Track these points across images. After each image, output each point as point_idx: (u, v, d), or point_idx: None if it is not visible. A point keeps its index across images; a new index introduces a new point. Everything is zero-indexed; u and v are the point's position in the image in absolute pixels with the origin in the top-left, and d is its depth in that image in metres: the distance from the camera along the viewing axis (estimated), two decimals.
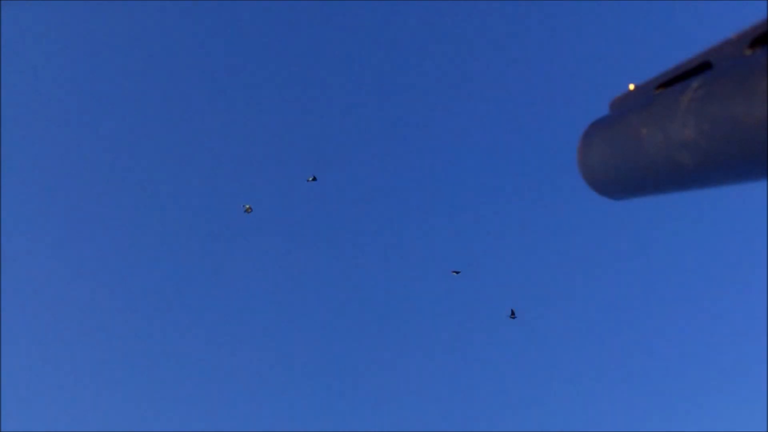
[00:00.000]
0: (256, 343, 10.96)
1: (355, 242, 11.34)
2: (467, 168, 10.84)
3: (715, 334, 10.96)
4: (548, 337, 11.07)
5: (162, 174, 11.05)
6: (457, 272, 8.90)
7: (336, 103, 11.19)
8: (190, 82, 10.99)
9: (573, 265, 11.33)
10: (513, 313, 9.05)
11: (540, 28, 11.25)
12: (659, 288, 11.24)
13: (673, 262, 11.33)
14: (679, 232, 11.29)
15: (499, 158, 11.30)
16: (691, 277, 11.32)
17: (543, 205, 11.22)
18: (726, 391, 10.73)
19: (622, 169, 0.46)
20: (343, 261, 11.33)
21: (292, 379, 10.87)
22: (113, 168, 10.96)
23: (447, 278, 11.22)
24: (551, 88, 11.27)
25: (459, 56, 11.37)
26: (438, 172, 11.12)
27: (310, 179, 8.48)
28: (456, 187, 11.05)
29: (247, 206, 8.13)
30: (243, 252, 11.13)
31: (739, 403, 10.29)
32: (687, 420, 10.28)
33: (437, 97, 11.31)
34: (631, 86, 0.50)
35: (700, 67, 0.40)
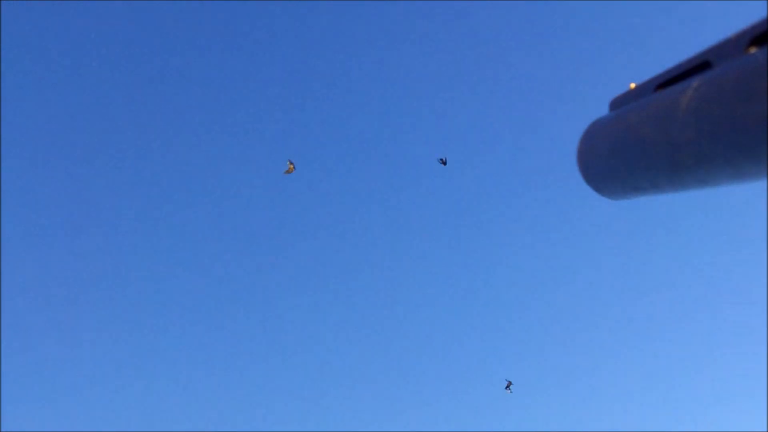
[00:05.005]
0: (256, 343, 10.98)
1: (351, 242, 11.36)
2: (467, 168, 10.85)
3: (715, 334, 10.97)
4: (548, 338, 11.08)
5: (161, 173, 11.07)
6: (444, 162, 8.75)
7: (333, 102, 11.20)
8: (191, 81, 11.00)
9: (573, 264, 11.34)
10: (509, 385, 9.12)
11: (540, 28, 11.26)
12: (659, 288, 11.25)
13: (673, 262, 11.35)
14: (678, 232, 11.30)
15: (499, 158, 11.31)
16: (691, 277, 11.33)
17: (543, 204, 11.23)
18: (726, 391, 10.73)
19: (622, 169, 0.46)
20: (341, 261, 11.34)
21: (291, 379, 10.88)
22: (113, 168, 10.97)
23: (445, 278, 11.23)
24: (551, 88, 11.27)
25: (459, 56, 11.39)
26: (437, 172, 11.13)
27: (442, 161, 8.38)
28: (455, 187, 11.06)
29: (290, 166, 7.86)
30: (243, 251, 11.15)
31: (739, 403, 10.30)
32: (687, 420, 10.29)
33: (437, 97, 11.32)
34: (632, 85, 0.50)
35: (700, 67, 0.40)
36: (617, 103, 0.52)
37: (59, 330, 10.51)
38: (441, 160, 8.76)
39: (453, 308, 11.07)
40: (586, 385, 10.83)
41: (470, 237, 11.16)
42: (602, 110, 0.54)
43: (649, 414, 10.42)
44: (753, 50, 0.35)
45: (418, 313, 11.16)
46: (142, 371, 10.50)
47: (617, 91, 0.53)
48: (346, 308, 11.16)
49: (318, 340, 11.11)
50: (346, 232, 11.28)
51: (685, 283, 11.43)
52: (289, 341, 11.04)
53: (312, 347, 11.06)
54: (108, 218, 10.67)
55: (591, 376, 10.86)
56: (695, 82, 0.36)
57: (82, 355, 10.43)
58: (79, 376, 10.29)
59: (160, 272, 10.97)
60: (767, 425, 8.26)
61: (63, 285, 10.66)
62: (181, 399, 10.55)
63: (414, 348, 11.01)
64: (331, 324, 11.03)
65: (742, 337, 10.72)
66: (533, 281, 11.51)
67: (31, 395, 9.95)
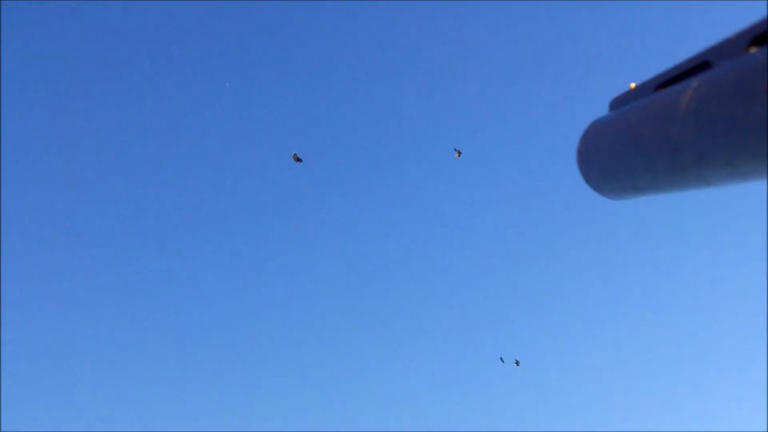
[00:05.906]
0: (255, 342, 10.98)
1: (348, 242, 11.35)
2: (466, 168, 10.85)
3: (715, 334, 10.96)
4: (547, 339, 11.07)
5: (161, 174, 11.06)
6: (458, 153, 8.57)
7: (331, 102, 11.20)
8: (192, 81, 11.00)
9: (572, 265, 11.33)
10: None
11: (540, 28, 11.26)
12: (659, 288, 11.24)
13: (672, 262, 11.34)
14: (678, 232, 11.30)
15: (498, 158, 11.31)
16: (691, 277, 11.33)
17: (542, 204, 11.23)
18: (726, 391, 10.73)
19: (622, 169, 0.46)
20: (338, 262, 11.34)
21: (291, 378, 10.88)
22: (114, 169, 10.97)
23: (444, 278, 11.22)
24: (551, 88, 11.27)
25: (459, 56, 11.38)
26: (436, 172, 11.13)
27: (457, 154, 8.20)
28: (455, 187, 11.06)
29: (296, 156, 8.00)
30: (242, 250, 11.15)
31: (739, 403, 10.30)
32: (687, 420, 10.28)
33: (436, 97, 11.32)
34: (632, 85, 0.50)
35: (700, 67, 0.40)
36: (617, 103, 0.52)
37: (59, 329, 10.51)
38: (456, 151, 8.48)
39: (451, 308, 11.07)
40: (584, 385, 10.83)
41: (469, 237, 11.16)
42: (602, 110, 0.54)
43: (649, 414, 10.42)
44: (753, 50, 0.35)
45: (417, 313, 11.16)
46: (142, 371, 10.50)
47: (617, 91, 0.53)
48: (344, 306, 11.16)
49: (318, 338, 11.11)
50: (343, 225, 11.28)
51: (685, 283, 11.43)
52: (289, 340, 11.04)
53: (311, 346, 11.06)
54: (108, 217, 10.67)
55: (590, 377, 10.86)
56: (695, 82, 0.36)
57: (83, 355, 10.43)
58: (80, 376, 10.29)
59: (161, 271, 10.97)
60: (767, 425, 8.25)
61: (63, 284, 10.67)
62: (181, 399, 10.55)
63: (413, 348, 11.01)
64: (331, 323, 11.03)
65: (742, 336, 10.72)
66: (532, 281, 11.50)
67: (31, 395, 9.94)
